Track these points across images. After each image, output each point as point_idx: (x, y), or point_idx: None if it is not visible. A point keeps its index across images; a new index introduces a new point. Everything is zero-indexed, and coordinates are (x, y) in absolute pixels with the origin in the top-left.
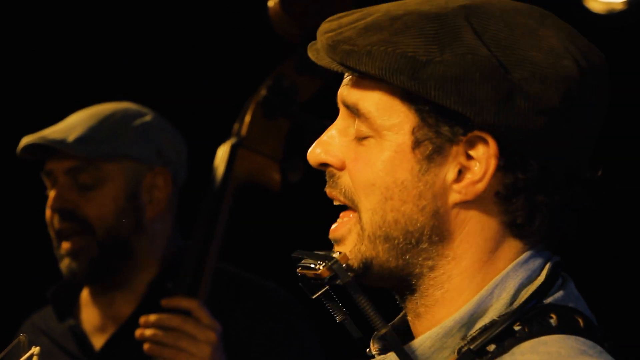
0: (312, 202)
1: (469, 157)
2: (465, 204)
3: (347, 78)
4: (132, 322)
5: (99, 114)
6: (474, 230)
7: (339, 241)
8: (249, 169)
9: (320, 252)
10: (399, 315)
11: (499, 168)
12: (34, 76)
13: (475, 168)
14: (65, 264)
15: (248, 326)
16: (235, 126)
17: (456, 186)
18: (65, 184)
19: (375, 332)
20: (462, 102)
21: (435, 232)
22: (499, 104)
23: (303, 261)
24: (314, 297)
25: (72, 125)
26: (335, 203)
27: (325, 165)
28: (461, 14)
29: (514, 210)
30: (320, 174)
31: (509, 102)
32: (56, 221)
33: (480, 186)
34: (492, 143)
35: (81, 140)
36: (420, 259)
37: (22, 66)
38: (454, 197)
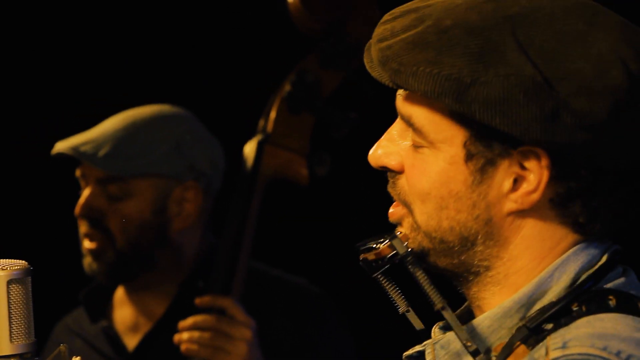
0: (341, 195)
1: (524, 167)
2: (520, 212)
3: (401, 90)
4: (165, 322)
5: (134, 124)
6: (530, 234)
7: (398, 223)
8: (277, 165)
9: (380, 235)
10: (462, 307)
11: (552, 177)
12: (69, 76)
13: (531, 177)
14: (87, 262)
15: (280, 324)
16: (261, 123)
17: (512, 195)
18: (94, 191)
19: (437, 323)
20: (508, 123)
21: (490, 237)
22: (545, 122)
23: (365, 246)
24: (373, 275)
25: (105, 136)
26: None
27: (384, 167)
28: (507, 26)
29: (573, 213)
30: (348, 167)
31: (555, 119)
32: (83, 226)
33: (535, 196)
34: (543, 156)
35: (110, 156)
36: (476, 260)
37: (58, 65)
38: (509, 206)
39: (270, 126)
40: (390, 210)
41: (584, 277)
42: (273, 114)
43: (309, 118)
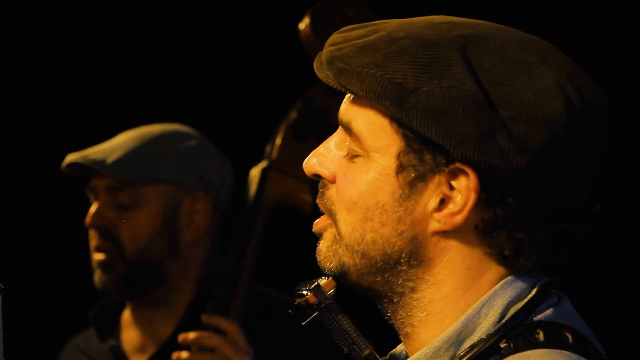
0: None
1: (452, 188)
2: (445, 234)
3: (346, 97)
4: (172, 343)
5: (144, 136)
6: (454, 259)
7: (319, 235)
8: (280, 191)
9: (312, 280)
10: (394, 349)
11: (479, 202)
12: (85, 96)
13: (457, 199)
14: (97, 275)
15: (284, 350)
16: (267, 149)
17: (436, 215)
18: (105, 202)
19: None
20: (443, 134)
21: (414, 256)
22: (480, 140)
23: (299, 291)
24: (303, 323)
25: (115, 146)
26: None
27: (318, 176)
28: (457, 43)
29: (497, 244)
30: None
31: (490, 139)
32: (93, 237)
33: (459, 218)
34: (472, 176)
35: (119, 162)
36: (400, 280)
37: (76, 84)
38: (433, 225)
39: (275, 153)
40: (316, 221)
41: (512, 311)
42: (278, 141)
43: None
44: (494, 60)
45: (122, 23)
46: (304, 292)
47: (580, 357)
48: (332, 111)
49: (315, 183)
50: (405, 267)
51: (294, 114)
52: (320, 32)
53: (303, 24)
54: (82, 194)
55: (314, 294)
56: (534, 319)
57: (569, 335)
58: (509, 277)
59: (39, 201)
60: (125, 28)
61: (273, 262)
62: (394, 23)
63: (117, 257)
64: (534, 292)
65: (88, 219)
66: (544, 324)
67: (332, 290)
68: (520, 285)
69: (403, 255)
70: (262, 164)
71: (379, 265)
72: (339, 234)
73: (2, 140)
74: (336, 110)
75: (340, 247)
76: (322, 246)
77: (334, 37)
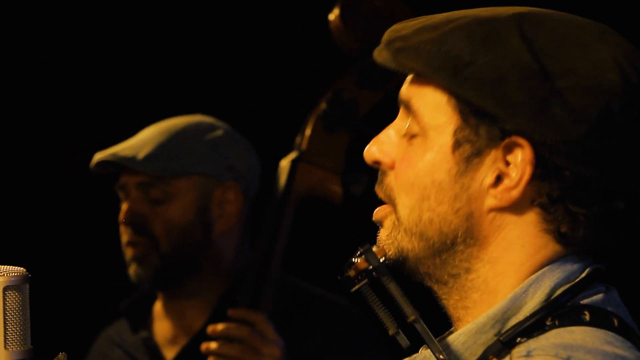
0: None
1: (507, 164)
2: (501, 210)
3: (408, 78)
4: (203, 335)
5: (170, 129)
6: (510, 236)
7: (380, 223)
8: (310, 182)
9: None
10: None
11: (535, 176)
12: (109, 91)
13: (513, 173)
14: (132, 269)
15: (316, 344)
16: (297, 140)
17: (492, 191)
18: (136, 198)
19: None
20: (498, 104)
21: (470, 235)
22: (534, 109)
23: (348, 262)
24: (352, 290)
25: (143, 141)
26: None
27: (378, 163)
28: (514, 20)
29: (555, 219)
30: None
31: (545, 108)
32: (127, 234)
33: (515, 193)
34: (527, 149)
35: (150, 157)
36: (456, 260)
37: (97, 81)
38: (489, 201)
39: (304, 144)
40: (376, 210)
41: (559, 291)
42: (308, 132)
43: (344, 137)
44: (550, 36)
45: (145, 17)
46: (354, 260)
47: (624, 339)
48: (362, 102)
49: (345, 174)
50: (461, 247)
51: (323, 105)
52: (350, 23)
53: (333, 15)
54: (109, 188)
55: (365, 258)
56: (581, 302)
57: (615, 320)
58: (558, 261)
59: (69, 194)
60: (150, 22)
61: (302, 254)
62: (454, 12)
63: (151, 251)
64: (583, 275)
65: (122, 216)
66: (590, 307)
67: (382, 258)
68: (569, 268)
69: (459, 234)
70: (292, 155)
71: (436, 246)
72: (397, 220)
73: (29, 140)
74: (366, 101)
75: (399, 233)
76: (382, 234)
77: (396, 25)
